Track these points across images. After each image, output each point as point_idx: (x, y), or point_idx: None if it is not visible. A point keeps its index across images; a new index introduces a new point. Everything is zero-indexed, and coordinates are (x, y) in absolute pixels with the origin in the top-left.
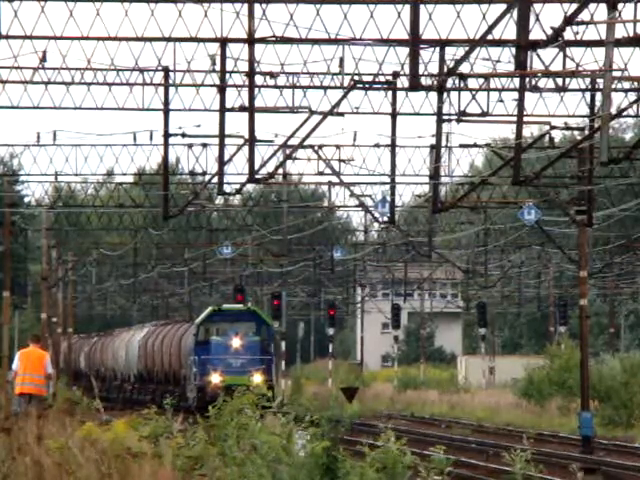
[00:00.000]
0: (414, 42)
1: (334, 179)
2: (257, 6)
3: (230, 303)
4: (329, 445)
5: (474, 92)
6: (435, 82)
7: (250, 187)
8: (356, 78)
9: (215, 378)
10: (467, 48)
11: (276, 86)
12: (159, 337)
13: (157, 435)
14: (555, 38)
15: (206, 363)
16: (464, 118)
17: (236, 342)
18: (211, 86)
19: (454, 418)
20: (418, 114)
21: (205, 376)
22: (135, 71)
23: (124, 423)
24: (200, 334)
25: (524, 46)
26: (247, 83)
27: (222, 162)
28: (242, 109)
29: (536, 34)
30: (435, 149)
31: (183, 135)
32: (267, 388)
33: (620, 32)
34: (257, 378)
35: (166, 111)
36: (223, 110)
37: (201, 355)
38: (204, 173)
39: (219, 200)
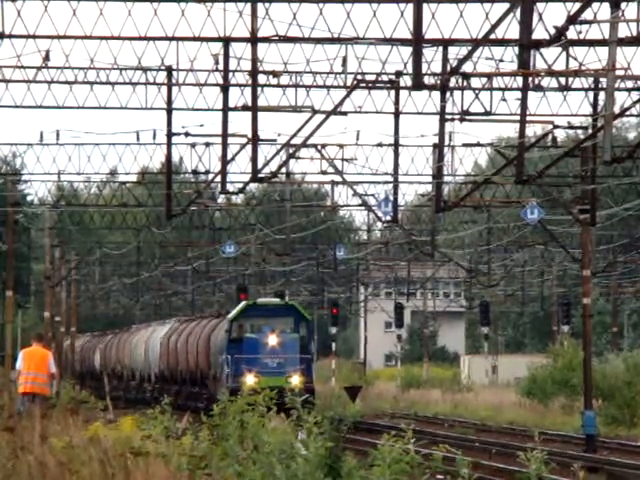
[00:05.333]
0: (417, 41)
1: (337, 178)
2: (260, 5)
3: (233, 303)
4: (332, 445)
5: (477, 91)
6: (438, 81)
7: (253, 186)
8: (359, 77)
9: (249, 379)
10: (470, 47)
11: (279, 85)
12: (184, 334)
13: (162, 434)
14: (558, 37)
15: (239, 363)
16: (467, 117)
17: (272, 340)
18: (214, 85)
19: (457, 417)
20: (421, 113)
21: (238, 377)
22: (138, 70)
23: (130, 421)
24: (233, 331)
25: (527, 45)
26: (250, 82)
27: (225, 161)
28: (245, 108)
29: (539, 33)
30: (438, 148)
31: (186, 134)
32: (306, 391)
33: (623, 31)
34: (295, 379)
35: (169, 110)
36: (226, 109)
37: (234, 354)
38: (207, 172)
39: (222, 199)
